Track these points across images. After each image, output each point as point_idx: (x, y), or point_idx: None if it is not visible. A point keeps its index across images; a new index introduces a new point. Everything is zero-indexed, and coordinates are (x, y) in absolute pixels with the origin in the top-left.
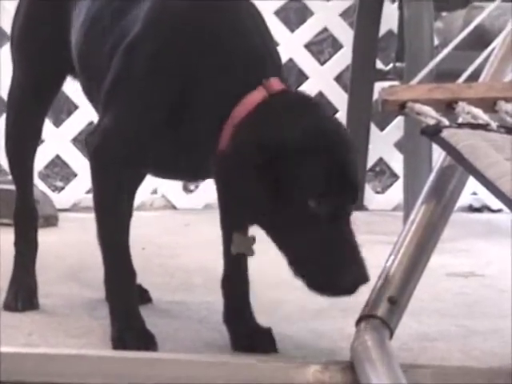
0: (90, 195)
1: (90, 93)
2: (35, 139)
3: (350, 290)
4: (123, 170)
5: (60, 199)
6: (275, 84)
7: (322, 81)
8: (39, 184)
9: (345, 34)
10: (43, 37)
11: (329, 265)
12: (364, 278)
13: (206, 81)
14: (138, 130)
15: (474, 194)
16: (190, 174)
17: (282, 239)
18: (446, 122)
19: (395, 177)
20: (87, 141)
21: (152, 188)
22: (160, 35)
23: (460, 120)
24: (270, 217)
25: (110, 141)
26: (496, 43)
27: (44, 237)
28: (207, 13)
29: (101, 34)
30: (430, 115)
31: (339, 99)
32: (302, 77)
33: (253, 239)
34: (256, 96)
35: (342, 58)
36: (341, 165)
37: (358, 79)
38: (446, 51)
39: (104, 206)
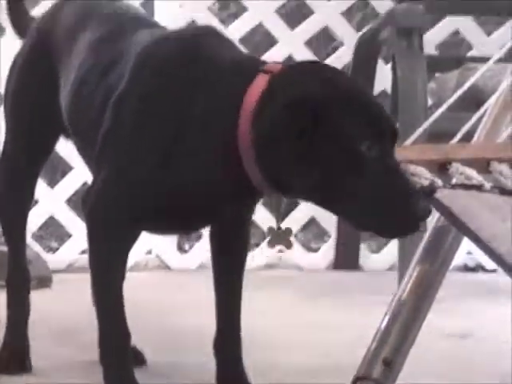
0: (85, 256)
1: (84, 153)
2: (27, 200)
3: (425, 215)
4: (121, 230)
5: (54, 260)
6: (273, 66)
7: None
8: (33, 245)
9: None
10: (34, 100)
11: (399, 202)
12: (430, 208)
13: (200, 116)
14: (135, 186)
15: (469, 253)
16: (195, 218)
17: (342, 197)
18: (439, 182)
19: None
20: (83, 201)
21: (146, 248)
22: (146, 87)
23: (454, 181)
24: (325, 176)
25: (105, 200)
26: (489, 104)
27: (37, 298)
28: (188, 54)
29: (89, 94)
30: (424, 176)
31: None
32: None
33: (290, 231)
34: (260, 79)
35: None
36: (378, 109)
37: None
38: (439, 112)
39: (100, 267)
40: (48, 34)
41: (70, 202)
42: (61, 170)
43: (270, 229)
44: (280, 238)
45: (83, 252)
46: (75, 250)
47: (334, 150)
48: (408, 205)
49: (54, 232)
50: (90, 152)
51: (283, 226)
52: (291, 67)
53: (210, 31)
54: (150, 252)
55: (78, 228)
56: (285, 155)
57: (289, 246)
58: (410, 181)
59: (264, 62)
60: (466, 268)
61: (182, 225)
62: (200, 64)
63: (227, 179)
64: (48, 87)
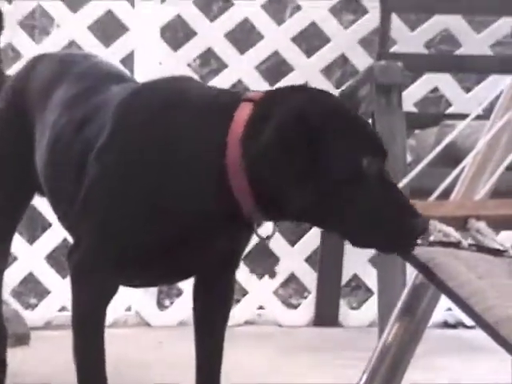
0: (64, 313)
1: (59, 210)
2: (3, 258)
3: (424, 229)
4: (107, 283)
5: (33, 317)
6: (255, 94)
7: None
8: (12, 301)
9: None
10: (9, 159)
11: (397, 218)
12: (425, 222)
13: (186, 158)
14: (123, 239)
15: (449, 309)
16: (184, 264)
17: (342, 214)
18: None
19: (371, 292)
20: (68, 258)
21: (126, 305)
22: (128, 138)
23: (432, 238)
24: (325, 193)
25: (92, 254)
26: (466, 161)
27: (15, 356)
28: (166, 99)
29: (66, 150)
30: None
31: None
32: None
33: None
34: (244, 107)
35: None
36: (369, 125)
37: None
38: (418, 169)
39: (84, 322)
40: (22, 92)
41: (50, 258)
42: (40, 226)
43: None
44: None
45: (62, 309)
46: (54, 307)
47: (336, 166)
48: (407, 220)
49: (33, 288)
50: (66, 208)
51: (263, 281)
52: (276, 91)
53: (183, 77)
54: (129, 309)
55: (57, 285)
56: (285, 174)
57: (273, 276)
58: (407, 198)
59: (245, 93)
60: (446, 324)
61: (170, 273)
62: (179, 107)
63: (218, 213)
64: (23, 145)
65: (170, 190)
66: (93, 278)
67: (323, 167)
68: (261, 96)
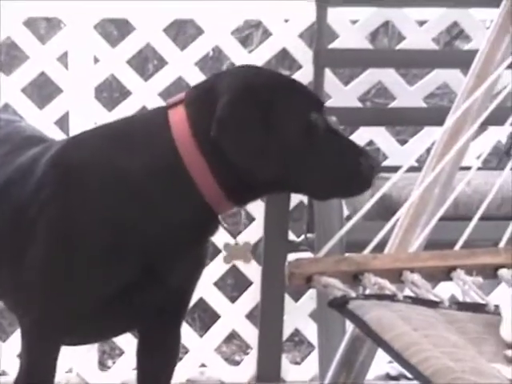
0: (3, 377)
1: None
2: None
3: (378, 167)
4: (58, 346)
5: None
6: (175, 98)
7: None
8: None
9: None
10: None
11: (354, 159)
12: (375, 158)
13: (140, 181)
14: (82, 292)
15: (391, 362)
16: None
17: (303, 170)
18: (352, 293)
19: (313, 347)
20: (20, 323)
21: (67, 367)
22: (71, 195)
23: (367, 291)
24: (287, 153)
25: (48, 318)
26: (400, 213)
27: None
28: (96, 144)
29: None
30: (337, 287)
31: (253, 271)
32: None
33: (248, 245)
34: (174, 112)
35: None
36: (305, 86)
37: (271, 250)
38: (352, 221)
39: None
40: None
41: None
42: None
43: (226, 244)
44: (238, 252)
45: (2, 373)
46: None
47: (290, 126)
48: (362, 161)
49: None
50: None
51: (204, 338)
52: (199, 84)
53: (108, 123)
54: (70, 370)
55: None
56: (247, 146)
57: (247, 259)
58: (352, 140)
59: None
60: (389, 377)
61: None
62: (113, 140)
63: (190, 218)
64: None
65: (134, 217)
66: (46, 340)
67: (278, 130)
68: (186, 94)
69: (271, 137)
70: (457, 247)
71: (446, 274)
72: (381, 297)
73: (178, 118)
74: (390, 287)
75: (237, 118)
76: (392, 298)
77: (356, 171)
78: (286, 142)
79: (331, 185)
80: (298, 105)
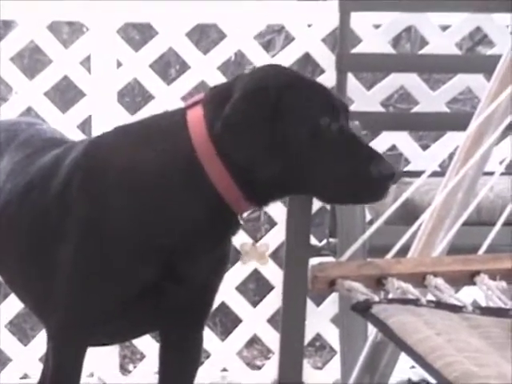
0: (26, 381)
1: (14, 284)
2: None
3: (390, 175)
4: (85, 346)
5: None
6: (195, 98)
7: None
8: None
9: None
10: None
11: (362, 166)
12: (394, 168)
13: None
14: (105, 299)
15: (413, 367)
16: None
17: (311, 172)
18: (375, 297)
19: (335, 352)
20: (47, 325)
21: (88, 371)
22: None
23: (390, 296)
24: (293, 155)
25: (75, 318)
26: (423, 218)
27: None
28: (123, 148)
29: (13, 216)
30: (360, 291)
31: (275, 275)
32: None
33: (266, 247)
34: (192, 112)
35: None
36: (326, 89)
37: (292, 255)
38: (375, 226)
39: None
40: None
41: (11, 325)
42: (2, 293)
43: (243, 244)
44: (256, 253)
45: (24, 377)
46: (16, 374)
47: (298, 128)
48: (371, 167)
49: None
50: (24, 272)
51: (226, 343)
52: (221, 84)
53: (128, 124)
54: (91, 374)
55: (18, 353)
56: (254, 143)
57: (264, 261)
58: (372, 148)
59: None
60: (410, 382)
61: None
62: (135, 141)
63: (209, 216)
64: None
65: (155, 216)
66: (73, 341)
67: (284, 132)
68: (205, 94)
69: (276, 138)
70: (480, 252)
71: (470, 278)
72: (404, 301)
73: (195, 118)
74: (413, 291)
75: (240, 117)
76: (415, 302)
77: (365, 178)
78: (290, 144)
79: (338, 190)
80: (308, 108)
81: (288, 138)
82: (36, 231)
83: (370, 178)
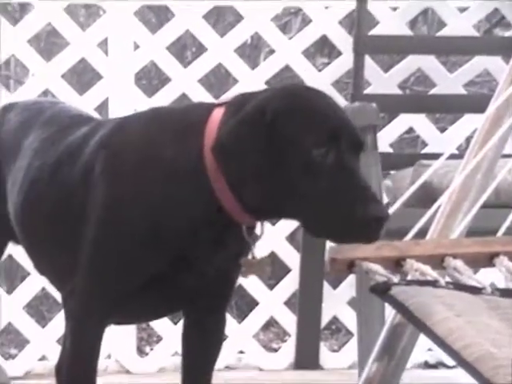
0: (44, 362)
1: (38, 253)
2: None
3: (381, 218)
4: (104, 325)
5: (13, 367)
6: (229, 98)
7: (273, 240)
8: None
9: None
10: None
11: (352, 205)
12: (385, 211)
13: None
14: (126, 272)
15: (430, 350)
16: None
17: (300, 202)
18: (394, 279)
19: (351, 334)
20: (65, 305)
21: (105, 353)
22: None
23: (409, 277)
24: (283, 182)
25: (94, 297)
26: (441, 200)
27: None
28: (150, 132)
29: (42, 194)
30: (379, 273)
31: (292, 258)
32: None
33: (267, 261)
34: (216, 112)
35: None
36: (336, 118)
37: (309, 237)
38: (393, 209)
39: (81, 364)
40: None
41: (29, 307)
42: (19, 276)
43: (245, 260)
44: (255, 267)
45: (42, 358)
46: (34, 356)
47: (289, 157)
48: (363, 207)
49: (12, 339)
50: (46, 252)
51: (243, 325)
52: (249, 92)
53: (152, 108)
54: (109, 356)
55: (36, 334)
56: (245, 165)
57: (263, 274)
58: (368, 186)
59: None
60: (427, 365)
61: (165, 303)
62: (159, 137)
63: (210, 220)
64: None
65: (168, 209)
66: (92, 321)
67: (279, 158)
68: (233, 98)
69: (266, 163)
70: (499, 234)
71: (489, 260)
72: (423, 283)
73: (215, 118)
74: (431, 273)
75: (233, 139)
76: (434, 283)
77: (351, 219)
78: (280, 173)
79: (323, 227)
80: (303, 136)
81: (278, 166)
82: (62, 209)
83: (354, 219)
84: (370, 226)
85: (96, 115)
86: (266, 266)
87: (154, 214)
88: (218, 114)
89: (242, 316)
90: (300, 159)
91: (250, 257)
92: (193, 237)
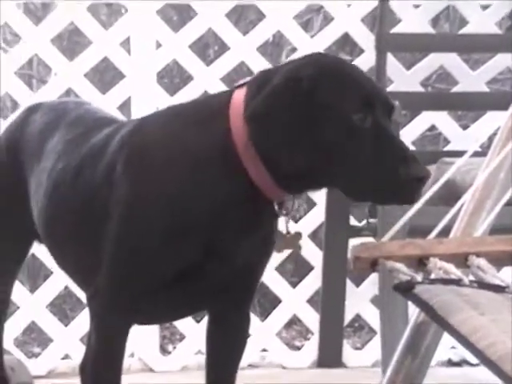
0: (67, 361)
1: (60, 253)
2: (2, 309)
3: (421, 178)
4: (129, 323)
5: (36, 365)
6: (246, 80)
7: None
8: (15, 351)
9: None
10: (4, 210)
11: (392, 166)
12: (426, 171)
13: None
14: (149, 281)
15: (453, 347)
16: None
17: (340, 167)
18: (418, 278)
19: (374, 332)
20: (89, 303)
21: (129, 351)
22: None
23: (432, 276)
24: (322, 148)
25: (117, 295)
26: (465, 198)
27: None
28: (169, 129)
29: (66, 196)
30: (403, 271)
31: (314, 256)
32: None
33: (299, 235)
34: (238, 92)
35: (317, 214)
36: (369, 84)
37: (332, 235)
38: (416, 207)
39: (106, 362)
40: (16, 143)
41: (52, 306)
42: (42, 275)
43: (280, 234)
44: (289, 242)
45: (65, 357)
46: (57, 355)
47: (329, 123)
48: (403, 167)
49: (36, 337)
50: (74, 251)
51: (266, 323)
52: (272, 67)
53: (171, 106)
54: (132, 355)
55: (59, 333)
56: (277, 135)
57: (298, 249)
58: (406, 147)
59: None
60: (451, 363)
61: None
62: (179, 130)
63: (241, 200)
64: (18, 196)
65: (195, 196)
66: (116, 320)
67: (314, 125)
68: (254, 76)
69: (304, 130)
70: None
71: None
72: (447, 281)
73: (237, 99)
74: (455, 272)
75: (267, 108)
76: (458, 282)
77: (393, 180)
78: (320, 139)
79: (365, 189)
80: (342, 102)
81: (318, 131)
82: (86, 211)
83: (398, 179)
84: (413, 186)
85: (119, 114)
86: (299, 242)
87: (180, 207)
88: (239, 95)
89: (264, 314)
90: (341, 124)
91: (284, 232)
92: (222, 219)
